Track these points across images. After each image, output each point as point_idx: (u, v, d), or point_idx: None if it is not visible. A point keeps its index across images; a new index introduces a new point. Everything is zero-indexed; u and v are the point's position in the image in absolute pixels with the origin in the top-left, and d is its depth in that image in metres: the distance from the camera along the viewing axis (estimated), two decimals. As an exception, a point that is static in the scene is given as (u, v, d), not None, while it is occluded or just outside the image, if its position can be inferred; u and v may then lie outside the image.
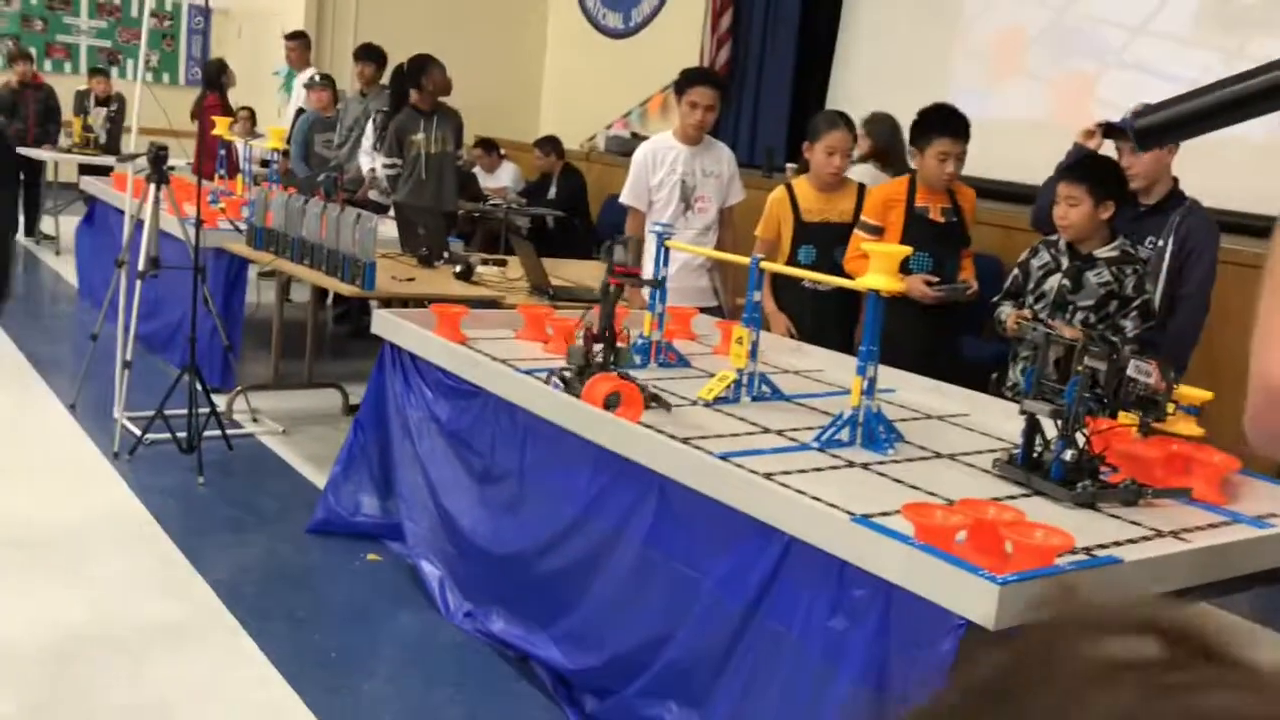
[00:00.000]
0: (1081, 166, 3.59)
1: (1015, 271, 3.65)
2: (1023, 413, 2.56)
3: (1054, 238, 3.58)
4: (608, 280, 3.16)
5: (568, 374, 3.03)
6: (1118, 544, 2.22)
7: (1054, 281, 3.51)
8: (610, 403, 2.83)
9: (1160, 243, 3.60)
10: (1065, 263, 3.50)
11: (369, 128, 6.93)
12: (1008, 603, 1.89)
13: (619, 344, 3.12)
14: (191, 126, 7.23)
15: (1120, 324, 3.40)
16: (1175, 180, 3.66)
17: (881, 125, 5.47)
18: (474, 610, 3.30)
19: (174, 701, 2.88)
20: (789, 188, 4.39)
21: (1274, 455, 0.86)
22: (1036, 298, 3.54)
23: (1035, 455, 2.54)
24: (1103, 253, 3.47)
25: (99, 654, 3.04)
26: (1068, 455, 2.45)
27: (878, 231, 4.10)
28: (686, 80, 4.49)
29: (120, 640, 3.11)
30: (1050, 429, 2.55)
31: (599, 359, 3.04)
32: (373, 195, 6.86)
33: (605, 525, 2.83)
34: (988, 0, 6.93)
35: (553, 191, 8.45)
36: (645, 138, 5.11)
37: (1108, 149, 3.82)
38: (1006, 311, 3.59)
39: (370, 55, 7.55)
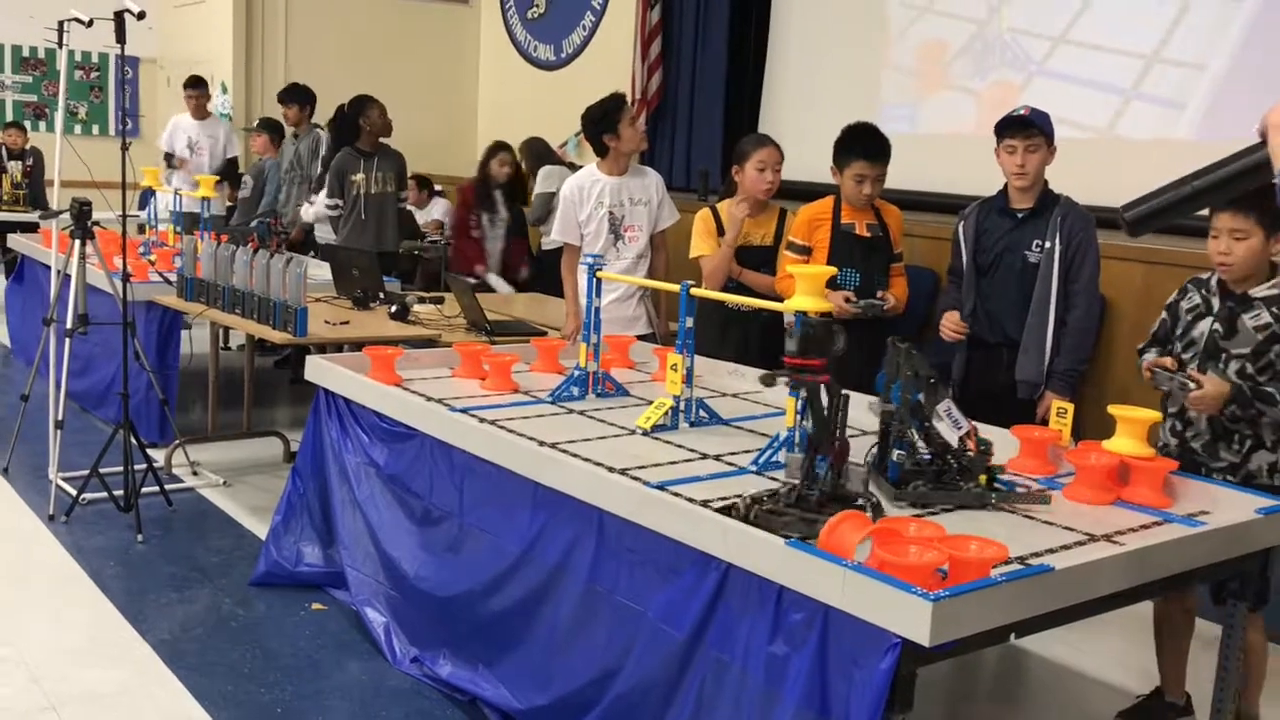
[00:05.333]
0: (1250, 195, 3.32)
1: (1163, 316, 3.24)
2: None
3: (1204, 276, 3.17)
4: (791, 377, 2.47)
5: (778, 500, 2.33)
6: (1051, 551, 2.24)
7: (1204, 327, 3.08)
8: None
9: (1047, 244, 3.66)
10: (1217, 305, 3.07)
11: (318, 173, 6.88)
12: (942, 618, 1.89)
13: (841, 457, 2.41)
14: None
15: None
16: (1045, 183, 3.74)
17: (533, 145, 7.80)
18: (421, 655, 3.26)
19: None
20: (713, 209, 4.41)
21: None
22: (1185, 345, 3.13)
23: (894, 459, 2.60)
24: (1260, 292, 3.01)
25: (35, 725, 2.96)
26: (895, 456, 2.55)
27: (806, 251, 4.12)
28: (609, 112, 4.46)
29: (59, 711, 3.03)
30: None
31: (826, 482, 2.36)
32: (319, 236, 6.84)
33: (547, 562, 2.80)
34: (911, 17, 7.02)
35: (492, 226, 8.44)
36: (582, 167, 5.15)
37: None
38: (1150, 358, 3.16)
39: (294, 96, 7.52)
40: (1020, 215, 3.73)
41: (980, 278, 3.79)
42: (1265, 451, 3.00)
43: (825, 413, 2.40)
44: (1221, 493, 2.67)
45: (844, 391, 2.46)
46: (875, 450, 2.68)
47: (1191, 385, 2.93)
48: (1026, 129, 3.65)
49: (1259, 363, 2.98)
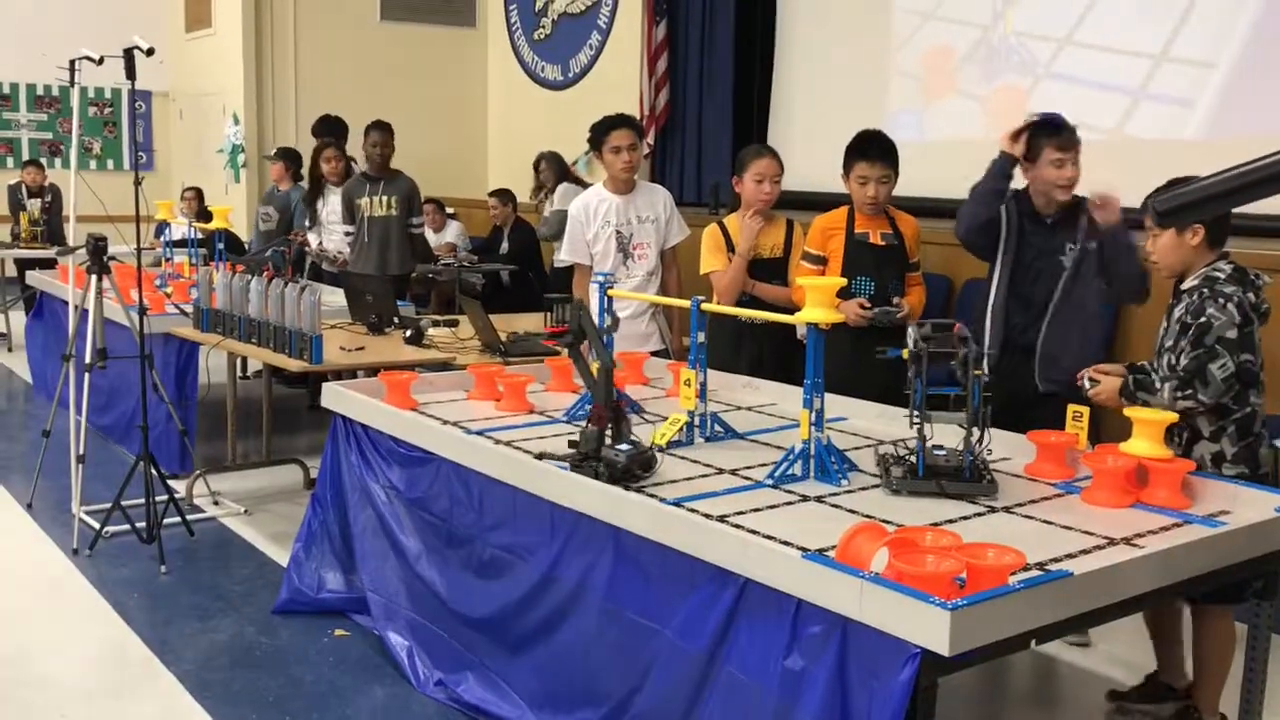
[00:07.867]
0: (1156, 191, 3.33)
1: None
2: (914, 425, 2.69)
3: None
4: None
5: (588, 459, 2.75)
6: (1070, 556, 2.22)
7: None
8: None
9: (1080, 241, 3.62)
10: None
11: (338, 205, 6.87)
12: (961, 627, 1.88)
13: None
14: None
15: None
16: None
17: (555, 159, 8.20)
18: (444, 678, 3.26)
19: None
20: (721, 225, 4.41)
21: None
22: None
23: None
24: (1186, 284, 3.04)
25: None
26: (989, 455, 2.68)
27: (821, 261, 4.12)
28: (600, 130, 4.51)
29: (85, 742, 3.05)
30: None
31: (608, 439, 2.81)
32: (325, 266, 6.88)
33: (568, 581, 2.80)
34: (916, 24, 7.03)
35: (505, 246, 8.47)
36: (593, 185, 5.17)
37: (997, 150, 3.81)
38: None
39: (327, 129, 7.49)
40: (1050, 221, 3.69)
41: (1013, 282, 3.70)
42: (1206, 442, 3.01)
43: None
44: (1241, 492, 2.65)
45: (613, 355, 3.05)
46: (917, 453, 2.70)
47: (1088, 386, 3.06)
48: (1074, 140, 3.58)
49: (1175, 353, 3.01)
